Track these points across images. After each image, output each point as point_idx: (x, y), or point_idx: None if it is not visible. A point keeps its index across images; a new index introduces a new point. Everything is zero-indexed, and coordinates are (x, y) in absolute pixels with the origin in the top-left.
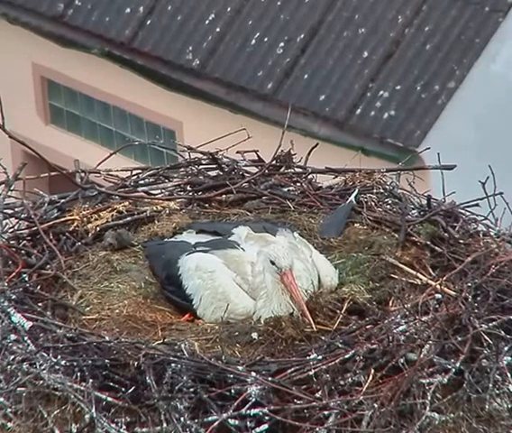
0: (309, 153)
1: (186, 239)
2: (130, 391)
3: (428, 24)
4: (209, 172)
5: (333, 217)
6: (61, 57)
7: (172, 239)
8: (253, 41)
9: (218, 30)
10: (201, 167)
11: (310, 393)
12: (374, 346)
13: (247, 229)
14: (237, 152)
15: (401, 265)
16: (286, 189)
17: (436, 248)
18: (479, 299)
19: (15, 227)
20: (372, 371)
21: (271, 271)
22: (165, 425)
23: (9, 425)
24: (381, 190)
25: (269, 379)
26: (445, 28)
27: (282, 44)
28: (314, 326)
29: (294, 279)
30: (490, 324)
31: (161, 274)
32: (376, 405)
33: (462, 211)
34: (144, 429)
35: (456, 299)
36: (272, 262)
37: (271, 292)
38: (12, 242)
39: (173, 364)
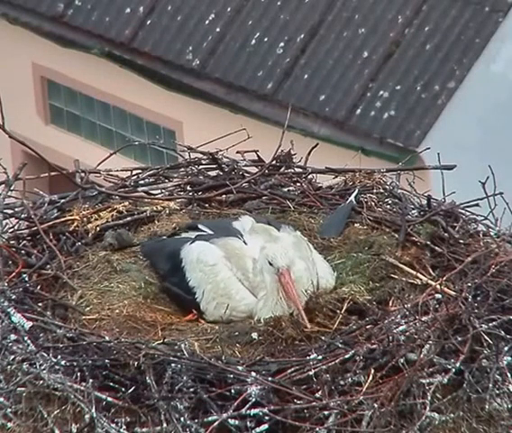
0: (309, 153)
1: (186, 236)
2: (130, 391)
3: (428, 24)
4: (209, 172)
5: (333, 217)
6: (61, 57)
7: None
8: (253, 41)
9: (218, 30)
10: (201, 167)
11: (310, 393)
12: (374, 346)
13: (251, 220)
14: (237, 152)
15: (401, 265)
16: (286, 189)
17: (436, 248)
18: (479, 299)
19: (15, 227)
20: (372, 371)
21: (270, 271)
22: (165, 425)
23: (9, 425)
24: (381, 190)
25: (269, 379)
26: (445, 28)
27: (282, 44)
28: (308, 325)
29: (290, 279)
30: (490, 324)
31: (165, 266)
32: (376, 405)
33: (462, 211)
34: (144, 429)
35: (456, 299)
36: (270, 263)
37: (271, 293)
38: (12, 242)
39: (173, 364)
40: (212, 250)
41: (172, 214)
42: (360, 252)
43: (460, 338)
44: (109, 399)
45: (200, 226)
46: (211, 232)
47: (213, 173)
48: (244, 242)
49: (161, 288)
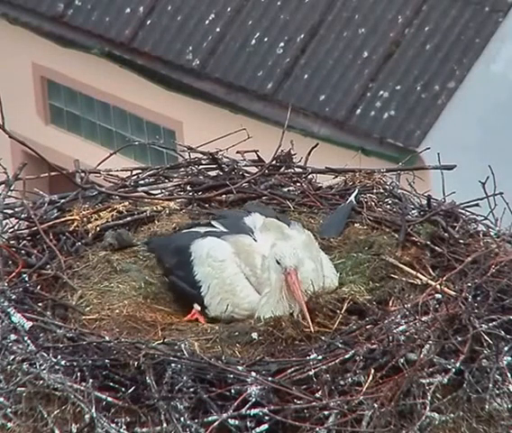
0: (309, 153)
1: (196, 230)
2: (130, 391)
3: (428, 24)
4: (209, 172)
5: (333, 217)
6: (61, 57)
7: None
8: (253, 41)
9: (218, 30)
10: (201, 167)
11: (310, 393)
12: (374, 346)
13: (262, 218)
14: (237, 152)
15: (401, 265)
16: (286, 189)
17: (436, 248)
18: (479, 299)
19: (15, 227)
20: (372, 371)
21: (277, 270)
22: (165, 425)
23: (9, 425)
24: (381, 190)
25: (269, 379)
26: (445, 28)
27: (282, 44)
28: (312, 328)
29: (297, 279)
30: (490, 324)
31: (172, 260)
32: (376, 405)
33: (462, 211)
34: (144, 429)
35: (456, 299)
36: (278, 262)
37: (274, 290)
38: (12, 242)
39: (173, 364)
40: (222, 246)
41: (172, 214)
42: (360, 252)
43: (460, 338)
44: (109, 399)
45: (214, 223)
46: (225, 229)
47: (213, 173)
48: (254, 239)
49: (165, 282)
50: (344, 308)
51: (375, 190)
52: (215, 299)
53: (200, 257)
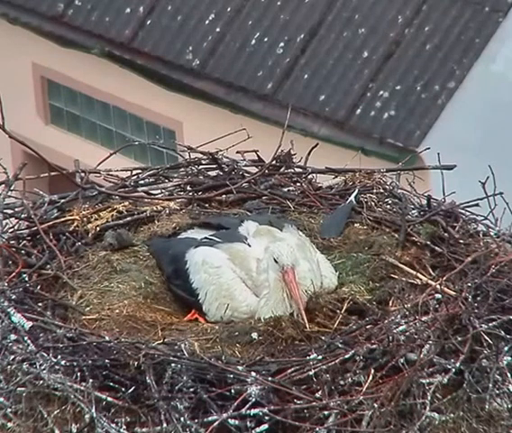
0: (309, 153)
1: (192, 236)
2: (130, 391)
3: (428, 24)
4: (209, 172)
5: (333, 217)
6: (61, 57)
7: (178, 237)
8: (253, 41)
9: (218, 30)
10: (201, 167)
11: (310, 393)
12: (374, 346)
13: (255, 225)
14: (237, 152)
15: (401, 265)
16: (286, 189)
17: (436, 248)
18: (479, 299)
19: (15, 227)
20: (372, 371)
21: (274, 269)
22: (165, 425)
23: (9, 425)
24: (381, 190)
25: (269, 379)
26: (445, 28)
27: (282, 44)
28: (308, 326)
29: (294, 277)
30: (490, 324)
31: (168, 269)
32: (376, 405)
33: (462, 211)
34: (144, 429)
35: (456, 299)
36: (275, 260)
37: (273, 291)
38: (12, 242)
39: (173, 364)
40: (217, 253)
41: (172, 214)
42: (360, 252)
43: (460, 338)
44: (109, 399)
45: (209, 236)
46: (218, 239)
47: (213, 173)
48: (248, 244)
49: (165, 281)
50: (344, 308)
51: (375, 190)
52: (214, 304)
53: (196, 264)
